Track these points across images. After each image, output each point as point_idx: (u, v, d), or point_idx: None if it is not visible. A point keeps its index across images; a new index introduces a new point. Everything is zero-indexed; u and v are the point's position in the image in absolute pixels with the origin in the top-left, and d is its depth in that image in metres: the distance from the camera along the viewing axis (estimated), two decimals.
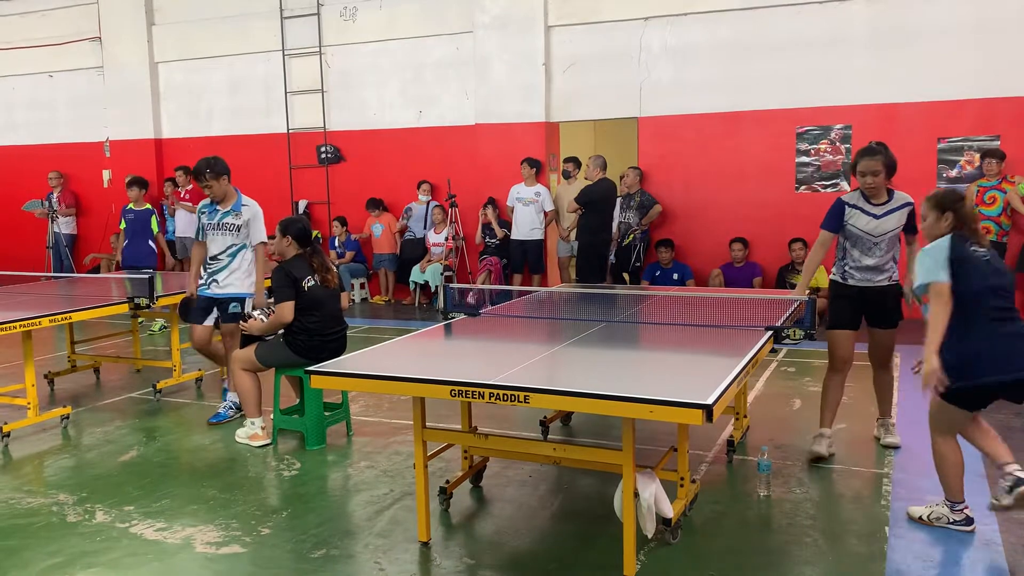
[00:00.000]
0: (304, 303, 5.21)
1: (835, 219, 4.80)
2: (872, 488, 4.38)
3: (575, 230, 9.95)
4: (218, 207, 5.80)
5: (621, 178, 10.20)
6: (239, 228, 5.77)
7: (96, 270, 12.59)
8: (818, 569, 3.51)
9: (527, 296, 6.06)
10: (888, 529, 3.86)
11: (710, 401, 2.88)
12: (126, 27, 12.86)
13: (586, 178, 9.85)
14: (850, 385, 6.37)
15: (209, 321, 5.93)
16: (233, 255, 5.80)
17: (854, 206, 4.79)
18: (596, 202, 9.26)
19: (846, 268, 4.89)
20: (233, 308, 5.78)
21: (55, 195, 12.89)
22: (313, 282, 5.25)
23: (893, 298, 4.92)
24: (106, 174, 13.33)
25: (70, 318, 5.72)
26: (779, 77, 9.51)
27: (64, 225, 12.89)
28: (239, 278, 5.80)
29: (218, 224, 5.78)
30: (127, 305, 6.09)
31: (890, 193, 4.84)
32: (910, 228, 4.86)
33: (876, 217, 4.77)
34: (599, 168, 9.58)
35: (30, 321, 5.32)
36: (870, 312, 4.94)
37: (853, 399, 6.08)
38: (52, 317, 5.53)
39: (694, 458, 4.79)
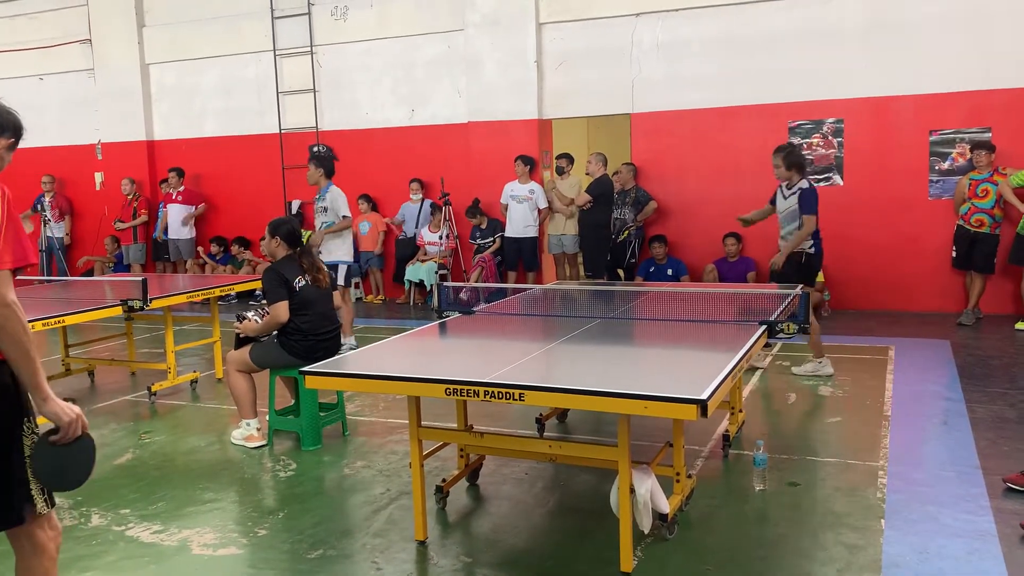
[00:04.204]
0: (296, 303, 5.21)
1: (772, 198, 6.68)
2: (867, 481, 4.39)
3: (576, 220, 10.03)
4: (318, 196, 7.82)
5: (615, 174, 10.21)
6: (325, 209, 7.76)
7: (90, 273, 12.58)
8: (814, 562, 3.52)
9: (521, 294, 6.06)
10: (884, 521, 3.87)
11: (704, 396, 2.88)
12: (116, 29, 12.81)
13: (588, 173, 9.92)
14: (843, 379, 6.42)
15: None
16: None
17: (779, 190, 6.52)
18: (603, 196, 9.70)
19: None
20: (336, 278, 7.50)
21: (46, 199, 12.83)
22: (304, 282, 5.25)
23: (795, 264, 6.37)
24: (98, 176, 13.29)
25: (63, 321, 5.71)
26: (771, 71, 9.52)
27: (56, 228, 12.85)
28: (336, 247, 7.79)
29: (316, 209, 7.90)
30: (120, 308, 6.07)
31: (798, 181, 6.40)
32: (801, 207, 6.32)
33: (784, 198, 6.44)
34: (601, 164, 9.77)
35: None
36: None
37: (848, 393, 6.10)
38: (45, 321, 5.52)
39: (690, 453, 4.79)
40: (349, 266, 7.96)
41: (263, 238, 5.60)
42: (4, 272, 2.44)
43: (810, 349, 6.61)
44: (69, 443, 2.45)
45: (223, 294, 7.80)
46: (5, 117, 2.69)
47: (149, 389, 6.57)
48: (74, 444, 2.46)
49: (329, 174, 7.84)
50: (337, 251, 7.81)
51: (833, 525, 3.87)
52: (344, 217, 7.81)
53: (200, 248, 12.33)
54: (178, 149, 12.79)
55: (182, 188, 12.29)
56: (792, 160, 6.38)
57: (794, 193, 6.35)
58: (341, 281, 7.81)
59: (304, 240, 5.56)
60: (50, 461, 2.45)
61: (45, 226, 12.38)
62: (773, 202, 6.63)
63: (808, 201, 6.29)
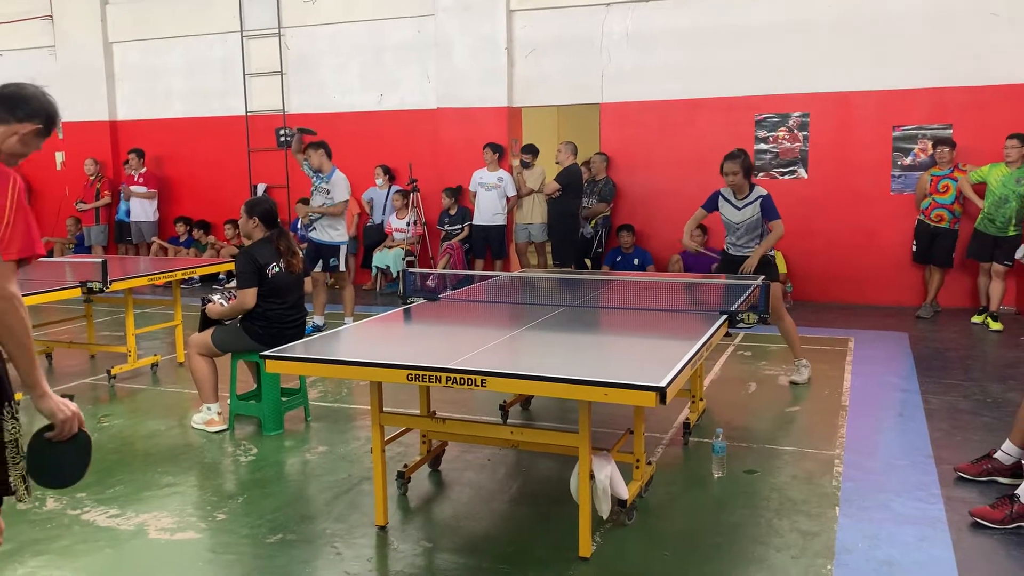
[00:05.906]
0: (267, 290, 5.14)
1: (709, 203, 6.27)
2: (823, 469, 4.47)
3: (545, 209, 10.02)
4: (320, 174, 8.06)
5: (585, 163, 10.23)
6: (328, 191, 8.02)
7: (50, 254, 12.35)
8: (770, 548, 3.58)
9: (487, 281, 6.06)
10: (838, 509, 3.95)
11: (663, 384, 2.91)
12: (78, 5, 12.54)
13: (558, 162, 9.91)
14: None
15: (318, 268, 8.11)
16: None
17: (726, 199, 6.14)
18: (572, 185, 9.60)
19: (726, 242, 6.31)
20: (332, 262, 8.08)
21: None
22: (278, 268, 5.19)
23: (760, 264, 5.98)
24: (59, 156, 13.03)
25: None
26: (738, 64, 9.58)
27: None
28: (334, 229, 8.09)
29: (317, 190, 8.08)
30: (80, 289, 5.97)
31: (751, 189, 6.07)
32: (767, 214, 5.98)
33: (738, 209, 6.06)
34: (571, 153, 9.75)
35: None
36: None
37: (807, 384, 6.18)
38: None
39: (650, 441, 4.84)
40: (347, 246, 8.41)
41: (228, 222, 5.55)
42: (8, 263, 2.35)
43: (789, 346, 6.33)
44: (65, 440, 2.45)
45: (186, 277, 7.70)
46: (38, 101, 2.61)
47: (109, 372, 6.47)
48: (69, 441, 2.46)
49: (330, 157, 8.19)
50: (335, 233, 8.13)
51: (789, 512, 3.93)
52: (343, 201, 8.13)
53: (155, 238, 12.13)
54: (141, 130, 12.58)
55: (143, 170, 12.10)
56: (748, 167, 6.00)
57: (751, 203, 5.99)
58: (341, 262, 8.18)
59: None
60: (45, 458, 2.45)
61: None
62: (707, 208, 6.24)
63: (774, 207, 5.98)
